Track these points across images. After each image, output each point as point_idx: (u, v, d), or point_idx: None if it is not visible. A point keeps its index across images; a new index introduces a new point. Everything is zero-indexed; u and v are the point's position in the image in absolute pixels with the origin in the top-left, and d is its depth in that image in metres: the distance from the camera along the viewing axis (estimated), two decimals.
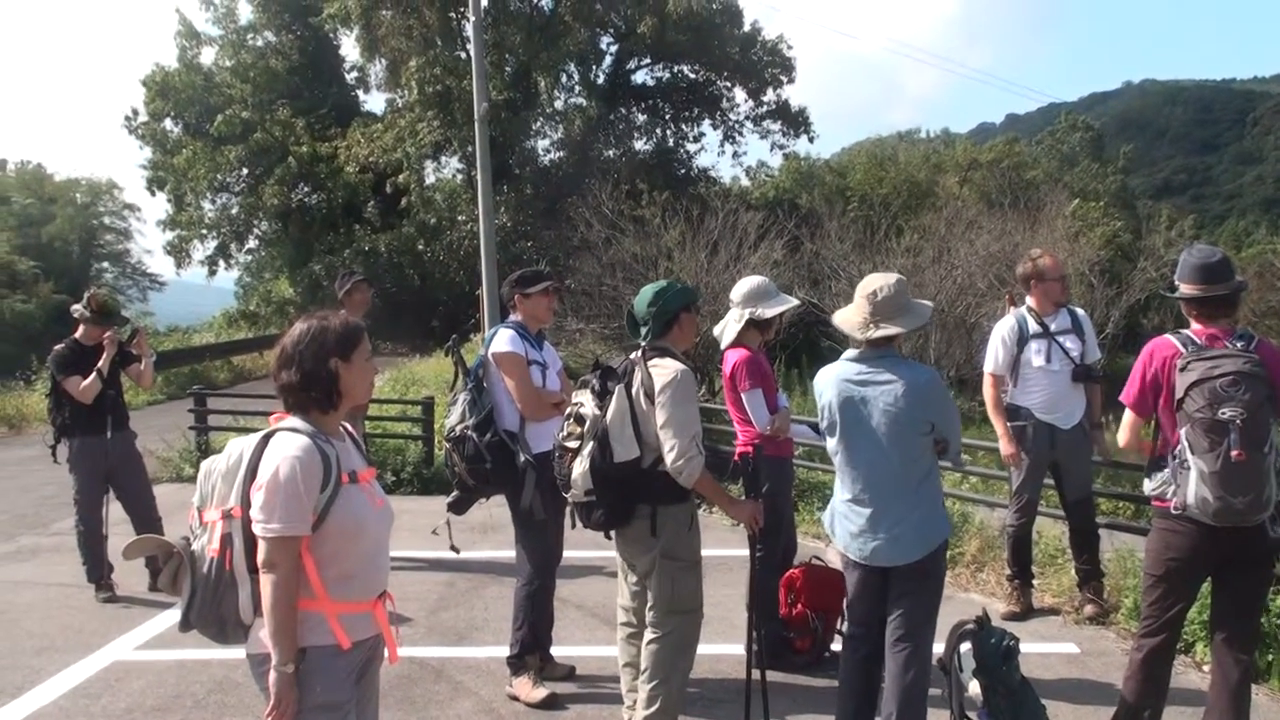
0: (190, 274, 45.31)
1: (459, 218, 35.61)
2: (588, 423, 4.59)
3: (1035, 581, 7.24)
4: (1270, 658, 5.78)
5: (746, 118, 42.18)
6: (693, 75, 41.31)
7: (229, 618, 3.13)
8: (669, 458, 4.41)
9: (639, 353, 4.69)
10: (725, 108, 41.92)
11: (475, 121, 17.61)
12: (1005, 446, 6.85)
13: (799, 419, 7.38)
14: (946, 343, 20.05)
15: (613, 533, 4.76)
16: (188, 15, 42.73)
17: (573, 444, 4.64)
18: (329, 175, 38.36)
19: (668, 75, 41.63)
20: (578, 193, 26.98)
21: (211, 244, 42.46)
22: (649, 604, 4.73)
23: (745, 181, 43.28)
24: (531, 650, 5.62)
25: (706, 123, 42.15)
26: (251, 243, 44.08)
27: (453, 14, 34.62)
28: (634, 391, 4.53)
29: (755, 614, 4.99)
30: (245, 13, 41.88)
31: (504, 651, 5.71)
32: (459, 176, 39.14)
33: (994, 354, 6.90)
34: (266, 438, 3.15)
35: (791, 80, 41.46)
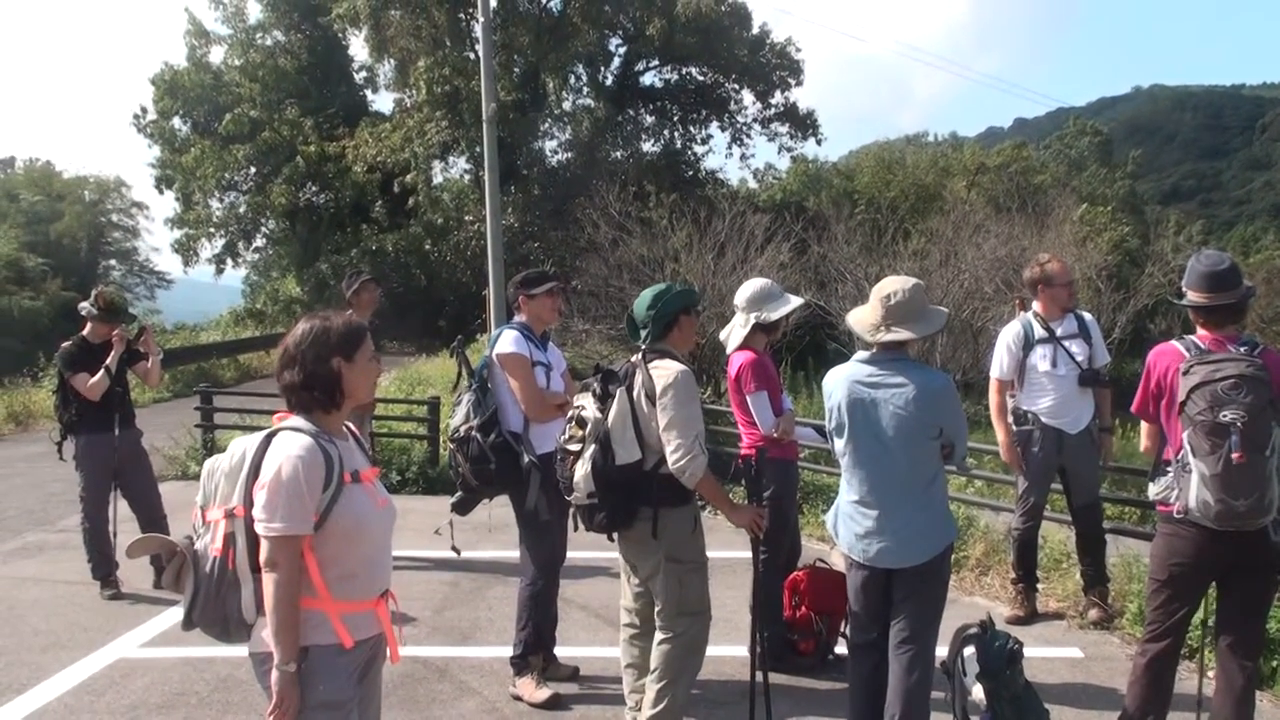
0: (197, 272, 45.36)
1: (466, 218, 35.62)
2: (589, 425, 4.60)
3: (1040, 586, 7.23)
4: (1275, 663, 5.77)
5: (754, 120, 42.20)
6: (701, 77, 41.30)
7: (232, 616, 3.14)
8: (672, 458, 4.42)
9: (639, 355, 4.71)
10: (733, 110, 41.94)
11: (483, 122, 17.61)
12: (1005, 453, 6.88)
13: (804, 421, 7.38)
14: (953, 347, 20.01)
15: (615, 535, 4.76)
16: (197, 14, 42.70)
17: (575, 447, 4.65)
18: (337, 175, 38.38)
19: (676, 77, 41.63)
20: (585, 194, 26.95)
21: (219, 242, 42.49)
22: (657, 606, 4.74)
23: (753, 184, 43.27)
24: (535, 650, 5.63)
25: (714, 125, 42.15)
26: (259, 241, 44.16)
27: (461, 15, 34.66)
28: (635, 394, 4.55)
29: (759, 616, 4.99)
30: (254, 12, 42.03)
31: (508, 651, 5.72)
32: (466, 177, 39.17)
33: (1000, 360, 6.90)
34: (269, 437, 3.16)
35: (800, 83, 41.47)
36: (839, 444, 4.54)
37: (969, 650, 4.70)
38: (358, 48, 43.18)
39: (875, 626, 4.55)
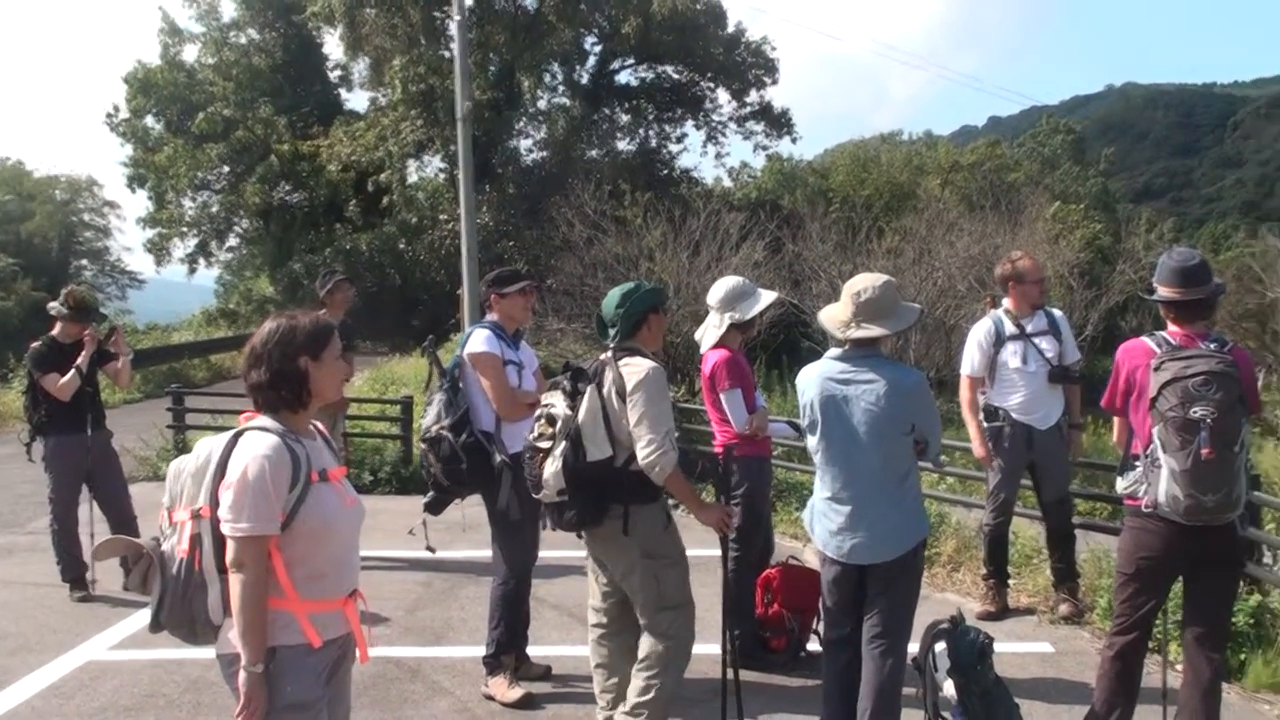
0: (170, 272, 45.13)
1: (441, 217, 35.51)
2: (559, 423, 4.59)
3: (1011, 581, 7.27)
4: (1243, 656, 5.84)
5: (730, 119, 42.13)
6: (676, 76, 41.25)
7: (199, 618, 3.12)
8: (642, 453, 4.42)
9: (609, 354, 4.71)
10: (708, 108, 41.87)
11: (458, 121, 17.56)
12: (978, 449, 6.90)
13: (777, 418, 7.40)
14: (927, 344, 20.07)
15: (584, 533, 4.76)
16: (170, 12, 42.81)
17: (544, 444, 4.63)
18: (311, 174, 38.21)
19: (651, 76, 41.55)
20: (560, 193, 26.89)
21: (192, 242, 42.26)
22: (636, 605, 4.74)
23: (728, 182, 43.27)
24: (507, 650, 5.62)
25: (690, 123, 42.06)
26: (232, 241, 43.96)
27: (436, 13, 34.50)
28: (605, 391, 4.55)
29: (730, 614, 5.00)
30: (228, 10, 41.77)
31: (480, 651, 5.70)
32: (441, 176, 39.03)
33: (970, 357, 6.93)
34: (236, 437, 3.14)
35: (775, 81, 41.45)
36: (812, 441, 4.55)
37: (940, 646, 4.71)
38: (332, 46, 42.98)
39: (849, 622, 4.56)
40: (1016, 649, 6.28)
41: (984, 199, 29.35)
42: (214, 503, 3.07)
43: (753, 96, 41.49)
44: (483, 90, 32.99)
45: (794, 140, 43.05)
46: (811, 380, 4.50)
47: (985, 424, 6.86)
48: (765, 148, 42.98)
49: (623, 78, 41.95)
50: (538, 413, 4.77)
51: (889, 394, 4.29)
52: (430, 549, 6.27)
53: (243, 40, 42.10)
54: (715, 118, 42.00)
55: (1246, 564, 5.74)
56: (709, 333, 5.85)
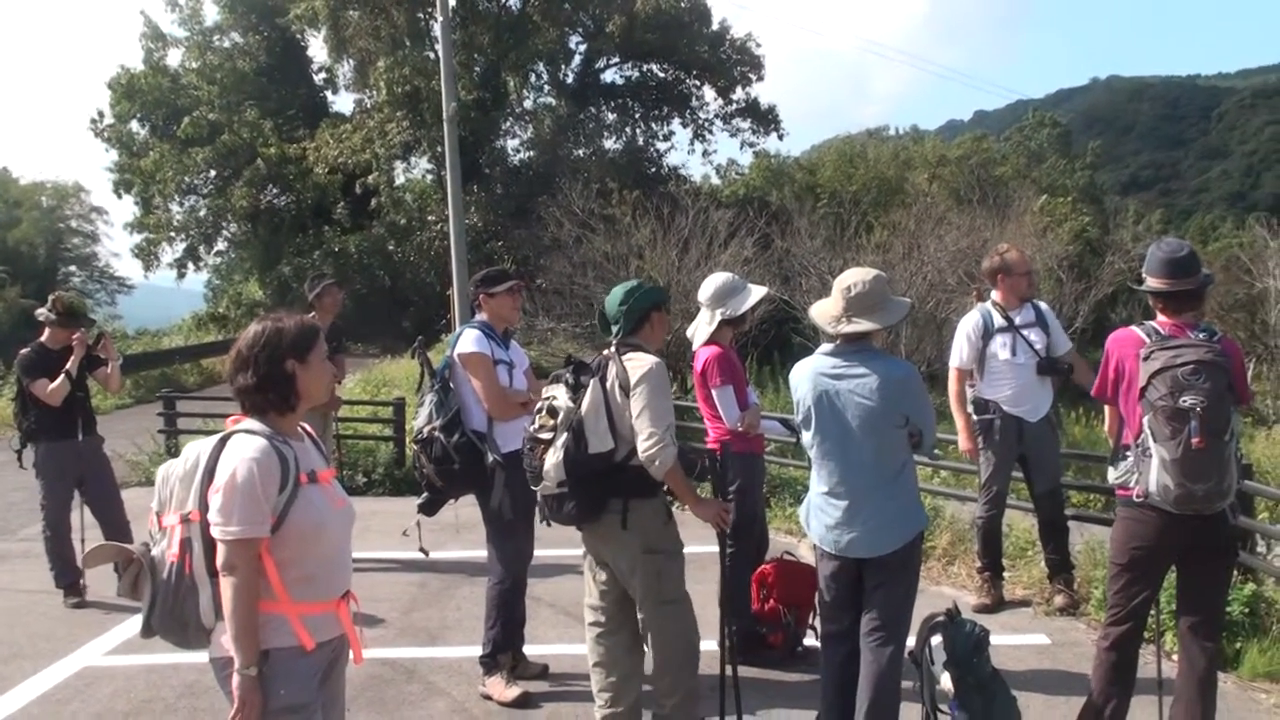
0: (158, 277, 45.05)
1: (429, 218, 35.50)
2: (561, 415, 4.60)
3: (1005, 574, 7.28)
4: (1238, 645, 5.85)
5: (716, 116, 42.18)
6: (662, 74, 41.27)
7: (190, 622, 3.11)
8: (642, 447, 4.44)
9: (611, 349, 4.72)
10: (695, 106, 41.90)
11: (444, 121, 17.58)
12: (964, 442, 6.93)
13: (769, 415, 7.40)
14: (917, 338, 20.12)
15: (582, 530, 4.77)
16: (153, 17, 42.48)
17: (545, 436, 4.64)
18: (298, 176, 38.15)
19: (637, 74, 41.58)
20: (548, 192, 26.93)
21: (180, 246, 42.18)
22: (638, 602, 4.75)
23: (715, 180, 43.18)
24: (504, 649, 5.61)
25: (676, 121, 42.10)
26: (220, 245, 43.87)
27: (421, 14, 34.50)
28: (609, 385, 4.57)
29: (727, 609, 5.01)
30: (211, 14, 41.70)
31: (476, 651, 5.69)
32: (429, 177, 39.04)
33: (959, 349, 6.95)
34: (223, 440, 3.13)
35: (761, 78, 41.51)
36: (807, 436, 4.55)
37: (936, 639, 4.71)
38: (317, 48, 42.94)
39: (846, 617, 4.56)
40: (1012, 641, 6.28)
41: (971, 193, 29.39)
42: (203, 506, 3.05)
43: (739, 93, 41.58)
44: (468, 91, 32.99)
45: (781, 137, 43.16)
46: (804, 376, 4.50)
47: (976, 417, 6.87)
48: (752, 144, 43.07)
49: (608, 76, 42.03)
50: (539, 404, 4.77)
51: (882, 387, 4.29)
52: (424, 551, 6.25)
53: (226, 44, 42.04)
54: (702, 115, 42.10)
55: (1239, 553, 5.75)
56: (700, 329, 5.85)
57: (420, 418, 5.56)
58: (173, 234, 41.66)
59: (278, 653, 3.08)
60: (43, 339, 7.42)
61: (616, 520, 4.61)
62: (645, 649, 4.82)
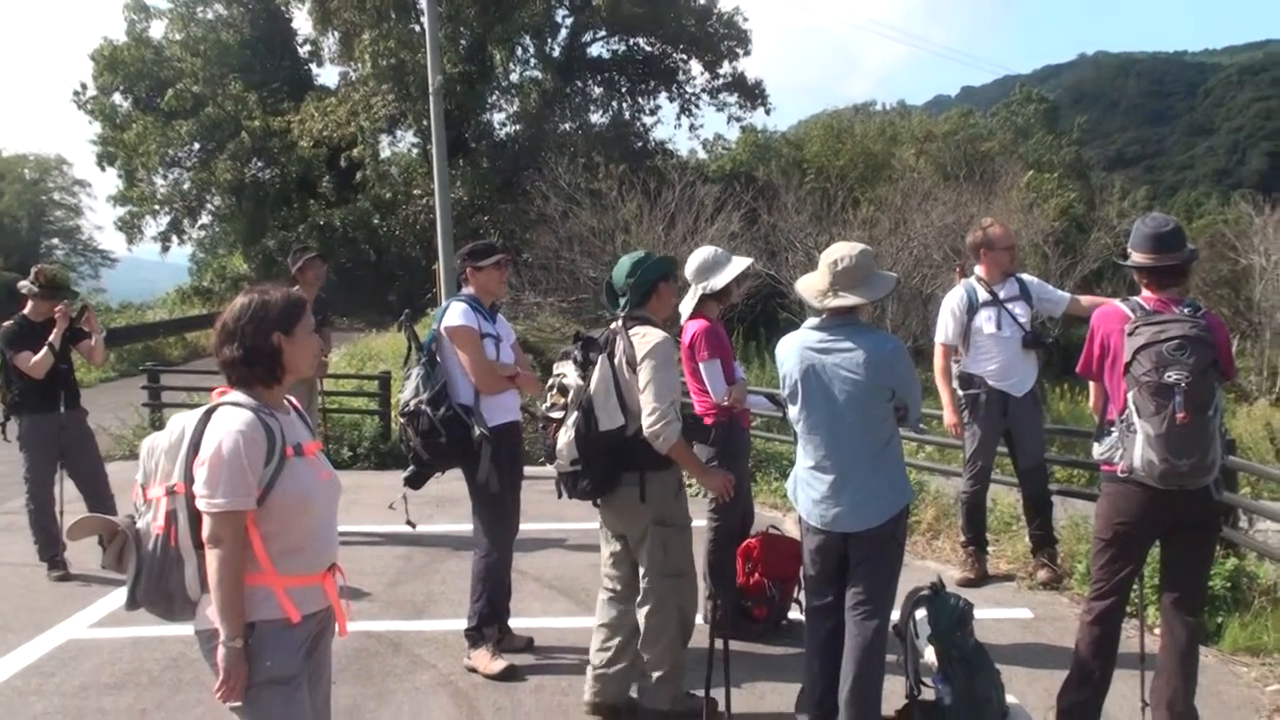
0: (142, 250, 44.95)
1: (415, 192, 35.39)
2: (571, 393, 4.67)
3: (990, 548, 7.31)
4: (1220, 619, 5.89)
5: (703, 90, 42.01)
6: (649, 48, 41.09)
7: (176, 594, 3.11)
8: (646, 421, 4.49)
9: (619, 323, 4.75)
10: (682, 80, 41.75)
11: (430, 95, 17.48)
12: (949, 416, 6.95)
13: (756, 390, 7.41)
14: (903, 314, 20.19)
15: (599, 502, 4.84)
16: None
17: (557, 414, 4.73)
18: (282, 150, 38.00)
19: (623, 48, 41.40)
20: (534, 166, 26.85)
21: (164, 220, 42.03)
22: (643, 571, 4.79)
23: (702, 154, 43.12)
24: (490, 622, 5.62)
25: (663, 95, 41.93)
26: (205, 218, 43.75)
27: None
28: (616, 360, 4.62)
29: (714, 583, 5.04)
30: None
31: (462, 624, 5.70)
32: (414, 150, 38.89)
33: (944, 325, 6.97)
34: (209, 412, 3.12)
35: (748, 53, 41.36)
36: (793, 411, 4.55)
37: (920, 613, 4.73)
38: (301, 20, 42.79)
39: (832, 590, 4.57)
40: (996, 615, 6.32)
41: (958, 169, 29.39)
42: (189, 479, 3.04)
43: (725, 68, 41.43)
44: (454, 64, 32.83)
45: (768, 112, 43.12)
46: (791, 350, 4.49)
47: (961, 392, 6.89)
48: (739, 119, 42.90)
49: (595, 50, 41.84)
50: (550, 383, 4.84)
51: (868, 361, 4.29)
52: (410, 524, 6.26)
53: (210, 16, 41.78)
54: (688, 90, 41.94)
55: (1222, 528, 5.78)
56: (685, 302, 5.85)
57: (407, 391, 5.55)
58: (156, 207, 41.50)
59: (263, 625, 3.08)
60: (25, 311, 7.38)
61: (632, 493, 4.67)
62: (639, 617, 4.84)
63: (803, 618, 4.86)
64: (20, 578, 7.43)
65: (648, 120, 42.33)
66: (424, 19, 20.60)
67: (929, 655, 4.62)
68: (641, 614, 4.80)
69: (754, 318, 20.37)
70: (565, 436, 4.64)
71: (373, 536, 8.18)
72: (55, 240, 54.83)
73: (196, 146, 39.92)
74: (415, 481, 5.73)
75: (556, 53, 40.02)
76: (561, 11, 39.44)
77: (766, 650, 5.83)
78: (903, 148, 41.15)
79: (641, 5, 37.15)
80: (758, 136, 43.19)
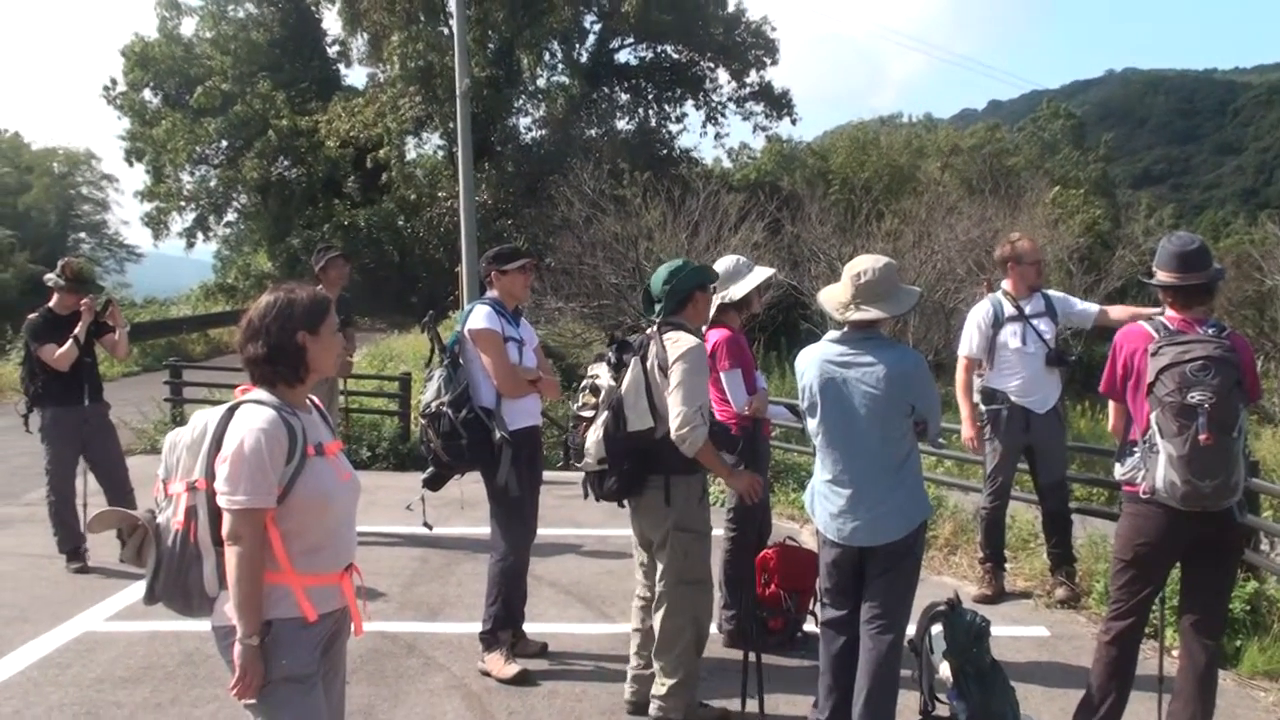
0: (168, 246, 45.20)
1: (439, 194, 35.51)
2: (603, 393, 4.73)
3: (1007, 565, 7.27)
4: (1239, 643, 5.84)
5: (729, 99, 42.11)
6: (676, 55, 41.17)
7: (194, 590, 3.11)
8: (673, 425, 4.52)
9: (654, 328, 4.79)
10: (708, 88, 41.82)
11: (457, 97, 17.48)
12: (967, 429, 6.92)
13: (776, 400, 7.40)
14: (925, 327, 20.10)
15: (627, 504, 4.87)
16: None
17: (587, 414, 4.80)
18: (309, 149, 38.18)
19: (651, 55, 41.49)
20: (559, 171, 26.88)
21: (190, 216, 42.33)
22: (658, 575, 4.83)
23: (727, 163, 43.21)
24: (504, 626, 5.61)
25: (689, 103, 42.01)
26: (230, 215, 43.99)
27: None
28: (649, 364, 4.66)
29: (740, 593, 5.05)
30: None
31: (477, 627, 5.70)
32: (440, 153, 39.05)
33: (969, 338, 6.94)
34: (231, 410, 3.13)
35: (775, 62, 41.40)
36: (812, 423, 4.54)
37: (936, 628, 4.72)
38: (331, 21, 42.99)
39: (848, 604, 4.55)
40: (1012, 632, 6.29)
41: (983, 183, 29.34)
42: (210, 475, 3.05)
43: (752, 77, 41.50)
44: (482, 67, 32.94)
45: (794, 121, 43.08)
46: (811, 363, 4.48)
47: (984, 407, 6.86)
48: (765, 128, 42.99)
49: (622, 56, 41.94)
50: (583, 383, 4.92)
51: (889, 376, 4.27)
52: (428, 525, 6.28)
53: (241, 14, 42.07)
54: (715, 98, 42.02)
55: (1245, 551, 5.74)
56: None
57: (429, 392, 5.56)
58: (183, 203, 41.78)
59: (280, 623, 3.08)
60: (51, 304, 7.42)
61: (657, 496, 4.70)
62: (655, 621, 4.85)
63: (818, 630, 4.85)
64: (39, 569, 7.47)
65: (673, 128, 42.50)
66: (453, 22, 20.64)
67: (944, 671, 4.60)
68: (657, 618, 4.81)
69: (775, 328, 20.34)
70: (594, 435, 4.70)
71: (390, 537, 8.20)
72: (82, 234, 55.13)
73: (224, 144, 40.20)
74: (434, 483, 5.74)
75: (584, 58, 40.16)
76: (590, 17, 39.59)
77: (781, 662, 5.80)
78: (928, 161, 41.12)
79: (670, 13, 37.22)
80: (783, 146, 43.24)
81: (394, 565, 7.57)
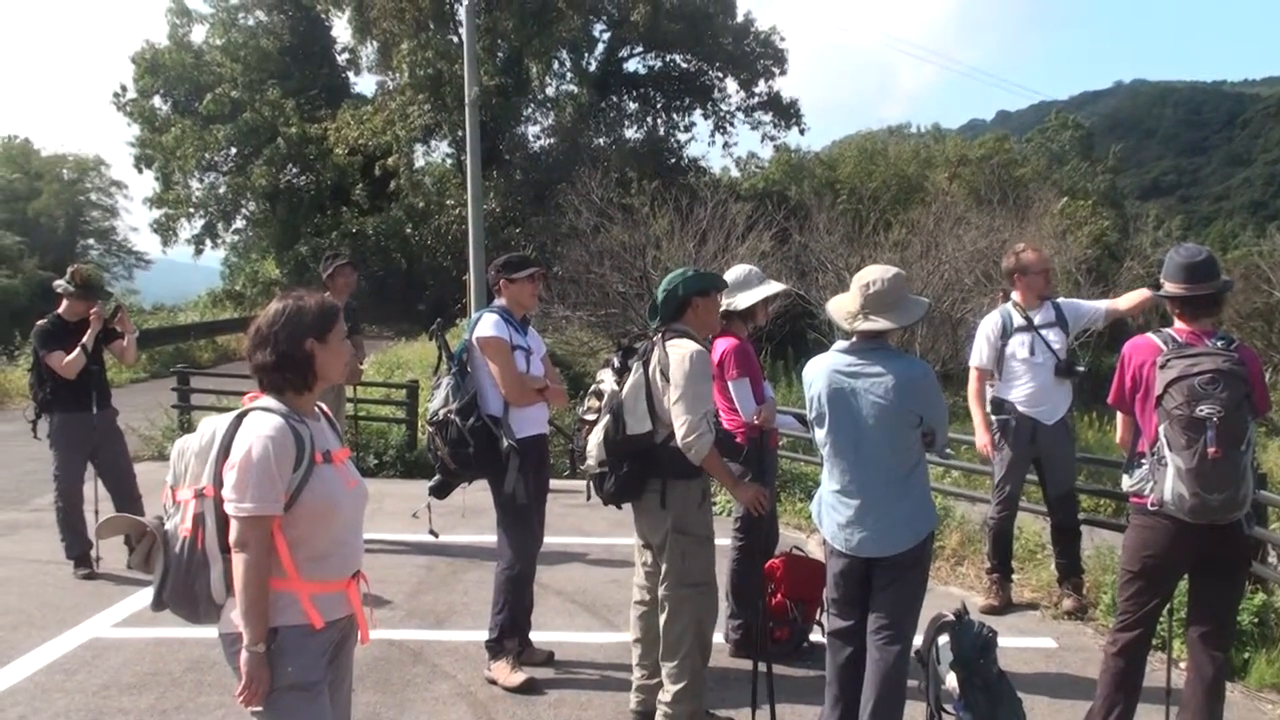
0: (176, 253, 45.25)
1: (448, 202, 35.52)
2: (605, 397, 4.79)
3: (1015, 576, 7.26)
4: (1246, 655, 5.82)
5: (738, 108, 42.13)
6: (685, 65, 41.22)
7: (201, 597, 3.12)
8: (679, 433, 4.53)
9: (659, 334, 4.81)
10: (717, 98, 41.87)
11: (466, 106, 17.55)
12: (981, 436, 6.91)
13: (784, 410, 7.39)
14: (933, 338, 20.09)
15: (629, 506, 4.90)
16: None
17: (591, 417, 4.88)
18: (318, 157, 38.23)
19: (660, 64, 41.55)
20: (567, 180, 26.93)
21: (198, 223, 42.33)
22: (660, 578, 4.84)
23: (735, 172, 43.19)
24: (510, 635, 5.61)
25: (698, 112, 42.04)
26: (239, 223, 44.00)
27: None
28: (651, 369, 4.69)
29: (746, 603, 5.04)
30: None
31: (483, 635, 5.70)
32: (448, 161, 39.08)
33: (978, 348, 6.94)
34: (240, 417, 3.14)
35: (784, 72, 41.47)
36: (820, 434, 4.53)
37: (943, 639, 4.70)
38: (340, 29, 43.09)
39: (854, 614, 4.54)
40: (1019, 644, 6.27)
41: (992, 193, 29.27)
42: (218, 482, 3.06)
43: (761, 86, 41.55)
44: (491, 76, 32.98)
45: (802, 131, 43.13)
46: (819, 373, 4.48)
47: (993, 417, 6.86)
48: (773, 138, 42.96)
49: (631, 66, 41.99)
50: (591, 389, 4.97)
51: (897, 386, 4.27)
52: (434, 533, 6.29)
53: (250, 22, 42.16)
54: (723, 107, 42.05)
55: (1253, 563, 5.72)
56: None
57: (436, 400, 5.57)
58: (192, 210, 41.81)
59: (287, 630, 3.09)
60: (60, 311, 7.44)
61: (654, 499, 4.74)
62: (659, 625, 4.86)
63: (824, 640, 4.84)
64: (47, 575, 7.48)
65: (681, 137, 42.51)
66: (462, 30, 20.70)
67: (950, 682, 4.59)
68: (660, 621, 4.83)
69: (782, 337, 20.34)
70: (595, 437, 4.77)
71: (396, 545, 8.20)
72: (91, 240, 55.25)
73: (233, 151, 40.23)
74: (441, 491, 5.75)
75: (593, 67, 40.20)
76: (599, 26, 39.66)
77: (787, 672, 5.79)
78: (936, 171, 41.08)
79: (679, 22, 37.29)
80: (791, 156, 43.23)
81: (400, 573, 7.57)
